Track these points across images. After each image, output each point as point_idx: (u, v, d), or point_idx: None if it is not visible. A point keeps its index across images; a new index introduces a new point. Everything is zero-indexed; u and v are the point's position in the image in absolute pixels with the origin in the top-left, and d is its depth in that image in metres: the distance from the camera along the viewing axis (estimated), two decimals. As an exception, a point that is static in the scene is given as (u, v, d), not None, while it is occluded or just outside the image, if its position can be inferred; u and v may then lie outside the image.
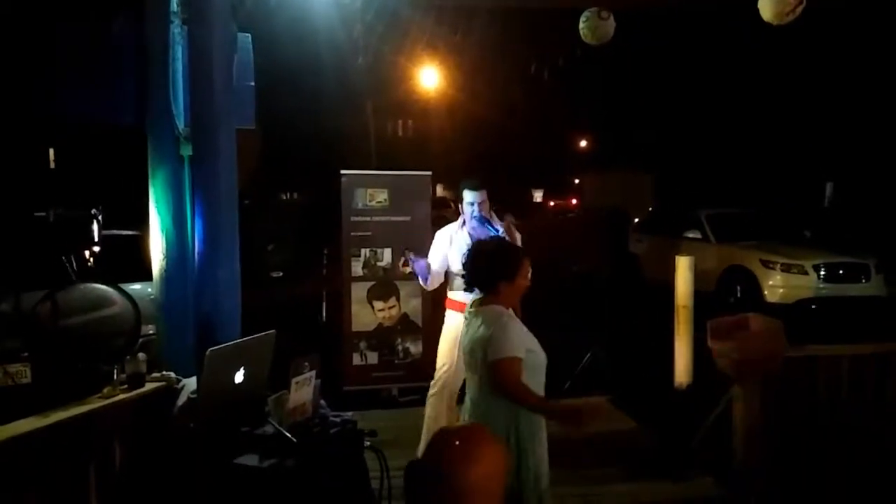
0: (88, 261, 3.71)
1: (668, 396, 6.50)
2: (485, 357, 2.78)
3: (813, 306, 9.29)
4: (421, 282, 4.63)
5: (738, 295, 10.20)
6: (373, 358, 6.33)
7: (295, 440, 2.42)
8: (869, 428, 3.98)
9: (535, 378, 2.89)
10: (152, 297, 5.96)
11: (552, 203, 36.33)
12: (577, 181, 36.08)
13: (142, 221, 6.16)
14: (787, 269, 9.69)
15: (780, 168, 19.22)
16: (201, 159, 3.21)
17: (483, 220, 4.36)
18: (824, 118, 18.96)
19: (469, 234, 4.47)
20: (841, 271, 9.62)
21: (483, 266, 2.96)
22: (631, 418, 5.65)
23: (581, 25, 3.53)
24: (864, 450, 3.95)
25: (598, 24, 3.47)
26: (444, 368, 4.50)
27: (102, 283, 3.75)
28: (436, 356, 4.71)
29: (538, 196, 38.80)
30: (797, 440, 3.94)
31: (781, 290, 9.64)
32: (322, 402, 2.79)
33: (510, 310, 2.99)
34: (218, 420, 2.55)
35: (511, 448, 2.71)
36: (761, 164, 19.47)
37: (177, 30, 3.58)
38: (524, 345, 2.85)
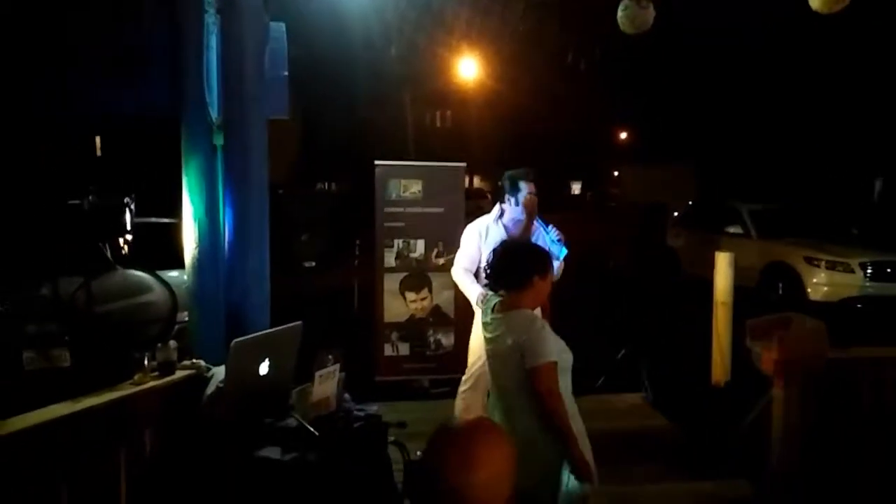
0: (122, 248, 3.75)
1: (705, 395, 6.38)
2: (521, 364, 2.67)
3: (858, 305, 9.01)
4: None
5: (780, 292, 9.96)
6: (404, 349, 6.33)
7: (317, 434, 2.40)
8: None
9: (564, 379, 2.82)
10: (187, 284, 6.09)
11: (588, 194, 35.94)
12: (616, 173, 35.65)
13: (179, 210, 6.28)
14: (832, 266, 9.42)
15: (828, 162, 18.69)
16: (232, 149, 3.20)
17: (547, 227, 4.24)
18: (876, 111, 18.36)
19: (505, 226, 4.38)
20: (889, 270, 9.31)
21: (519, 262, 2.86)
22: (666, 417, 5.53)
23: (619, 14, 3.43)
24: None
25: (638, 12, 3.37)
26: (478, 364, 4.43)
27: (140, 270, 3.80)
28: (467, 349, 4.66)
29: (576, 188, 38.45)
30: (837, 444, 3.81)
31: (825, 289, 9.38)
32: (346, 395, 2.77)
33: (537, 310, 2.93)
34: (242, 411, 2.55)
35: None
36: (808, 158, 18.96)
37: (211, 19, 3.58)
38: (558, 347, 2.77)
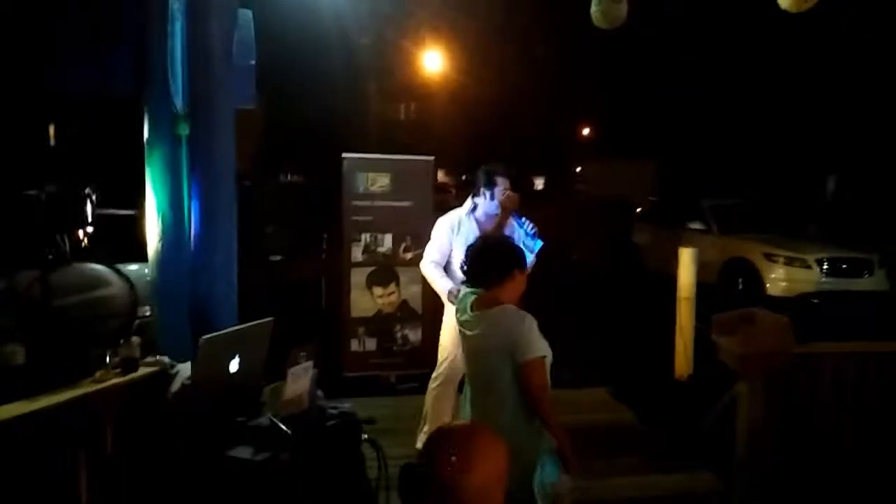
0: (82, 241, 3.63)
1: (669, 388, 6.46)
2: (508, 361, 2.65)
3: (815, 300, 9.22)
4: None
5: (740, 287, 10.14)
6: (371, 344, 6.27)
7: (290, 433, 2.35)
8: (872, 426, 3.92)
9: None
10: (149, 278, 5.94)
11: (546, 189, 36.14)
12: (578, 169, 35.88)
13: (139, 200, 6.11)
14: (789, 262, 9.63)
15: (783, 159, 19.09)
16: (198, 138, 3.12)
17: (521, 220, 4.21)
18: (829, 109, 18.82)
19: (478, 220, 4.35)
20: (844, 266, 9.55)
21: (498, 258, 2.83)
22: (631, 410, 5.58)
23: (593, 9, 3.43)
24: (868, 448, 3.89)
25: (611, 7, 3.36)
26: (448, 360, 4.40)
27: (98, 263, 3.68)
28: (435, 344, 4.62)
29: (539, 183, 38.59)
30: (801, 437, 3.88)
31: (783, 284, 9.58)
32: (319, 392, 2.71)
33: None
34: (211, 410, 2.48)
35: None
36: (765, 155, 19.34)
37: (175, 4, 3.48)
38: (544, 343, 2.76)
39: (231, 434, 2.40)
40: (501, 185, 4.26)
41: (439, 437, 1.45)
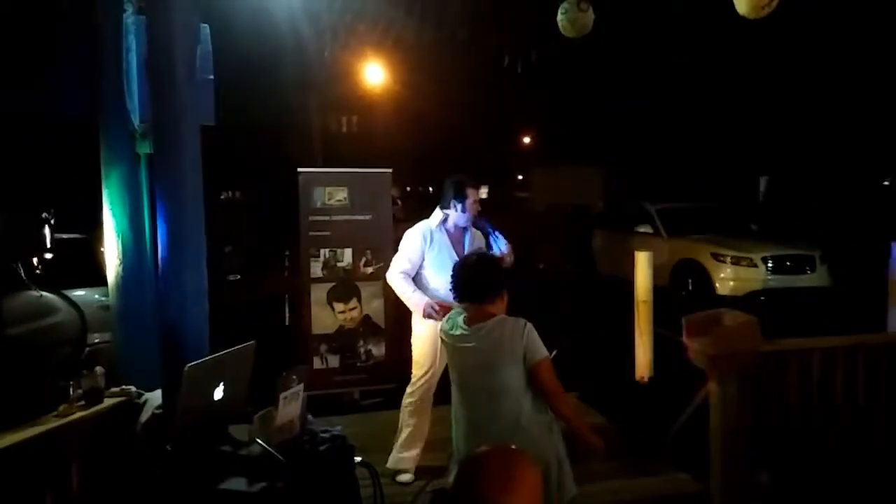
0: (37, 267, 3.46)
1: (631, 391, 6.54)
2: (520, 367, 2.77)
3: (762, 298, 9.48)
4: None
5: (690, 288, 10.36)
6: (334, 361, 6.15)
7: (284, 460, 2.25)
8: (839, 419, 4.02)
9: None
10: (100, 303, 5.70)
11: (491, 197, 36.48)
12: (520, 177, 36.25)
13: (87, 223, 5.86)
14: (737, 261, 9.88)
15: (718, 163, 19.70)
16: (164, 157, 2.99)
17: (493, 231, 4.25)
18: (758, 114, 19.53)
19: (448, 230, 4.32)
20: (788, 263, 9.86)
21: (491, 274, 2.95)
22: (600, 415, 5.61)
23: (560, 17, 3.44)
24: (838, 441, 3.99)
25: (578, 15, 3.38)
26: (426, 374, 4.31)
27: (44, 290, 3.50)
28: (399, 358, 4.55)
29: (483, 193, 38.85)
30: (773, 433, 3.95)
31: (732, 283, 9.83)
32: (309, 416, 2.62)
33: None
34: (198, 440, 2.36)
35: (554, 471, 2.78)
36: (700, 159, 19.92)
37: (130, 19, 3.35)
38: None
39: (221, 465, 2.28)
40: (471, 196, 4.26)
41: (475, 461, 1.41)
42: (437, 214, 4.37)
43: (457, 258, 4.28)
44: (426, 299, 4.15)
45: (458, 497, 1.36)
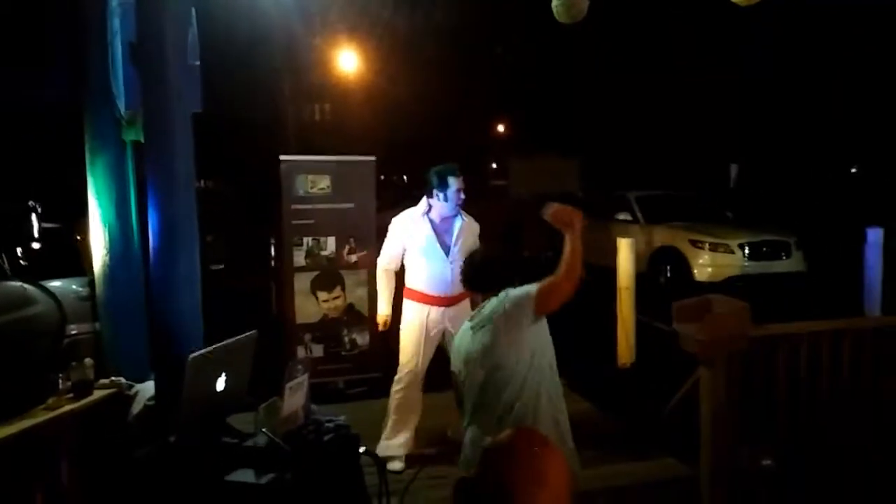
0: (20, 257, 3.37)
1: (614, 377, 6.59)
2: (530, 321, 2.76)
3: (739, 284, 9.59)
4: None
5: (668, 275, 10.46)
6: (318, 351, 6.10)
7: (290, 451, 2.21)
8: (827, 401, 4.09)
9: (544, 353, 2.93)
10: (78, 294, 5.58)
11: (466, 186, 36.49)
12: (494, 165, 36.24)
13: (65, 212, 5.73)
14: (714, 248, 9.99)
15: (689, 151, 19.89)
16: (155, 144, 2.91)
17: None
18: (728, 102, 19.77)
19: (432, 221, 4.30)
20: (764, 249, 10.00)
21: (503, 267, 3.02)
22: (586, 401, 5.64)
23: (554, 4, 3.41)
24: (826, 424, 4.05)
25: (573, 1, 3.36)
26: (413, 362, 4.30)
27: (22, 281, 3.42)
28: (384, 346, 4.54)
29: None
30: (761, 418, 4.00)
31: (710, 269, 9.94)
32: (314, 406, 2.59)
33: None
34: (201, 432, 2.31)
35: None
36: (672, 147, 20.10)
37: (115, 1, 3.26)
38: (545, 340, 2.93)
39: (226, 457, 2.24)
40: (454, 185, 4.22)
41: (502, 451, 1.38)
42: (423, 203, 4.34)
43: (442, 249, 4.27)
44: (382, 314, 4.45)
45: (483, 488, 1.34)
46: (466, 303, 4.23)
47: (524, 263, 3.21)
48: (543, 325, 2.85)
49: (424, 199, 4.35)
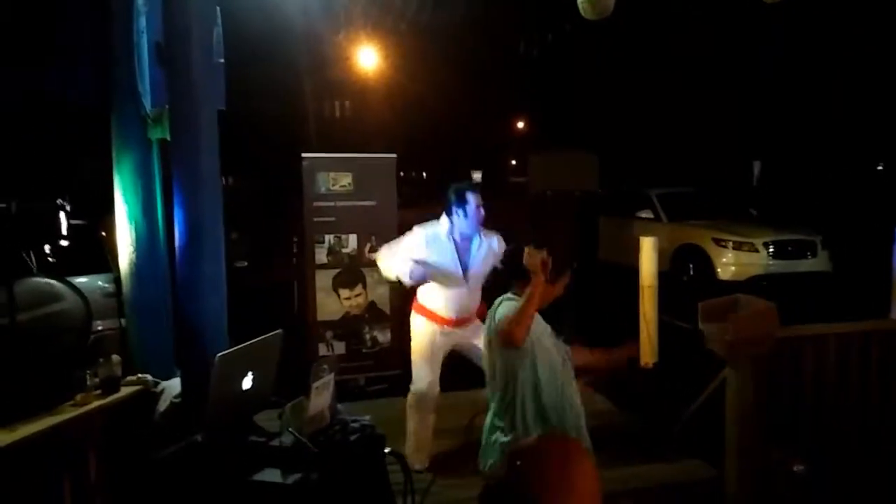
0: (49, 255, 3.40)
1: (637, 377, 6.53)
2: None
3: (764, 283, 9.47)
4: (408, 279, 4.16)
5: (691, 273, 10.36)
6: (340, 348, 6.11)
7: (317, 451, 2.21)
8: (854, 404, 4.03)
9: (565, 372, 2.82)
10: (104, 290, 5.63)
11: (484, 182, 36.61)
12: (514, 162, 36.17)
13: (91, 209, 5.78)
14: (738, 246, 9.87)
15: (711, 147, 19.71)
16: (181, 142, 2.93)
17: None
18: (750, 100, 19.56)
19: (455, 241, 4.22)
20: (790, 248, 9.86)
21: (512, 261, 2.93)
22: (608, 401, 5.60)
23: (580, 0, 3.39)
24: (853, 426, 4.00)
25: (599, -2, 3.33)
26: (426, 382, 4.22)
27: (49, 277, 3.46)
28: (404, 343, 4.47)
29: (477, 177, 38.78)
30: (789, 420, 3.95)
31: (733, 268, 9.82)
32: (339, 406, 2.59)
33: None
34: (228, 431, 2.32)
35: None
36: (694, 144, 19.92)
37: (140, 1, 3.27)
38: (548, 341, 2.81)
39: (253, 456, 2.25)
40: (473, 201, 4.14)
41: (529, 454, 1.35)
42: (444, 223, 4.21)
43: (461, 269, 4.19)
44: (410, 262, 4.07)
45: (509, 494, 1.31)
46: (477, 321, 4.18)
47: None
48: (523, 350, 2.76)
49: (445, 216, 4.24)
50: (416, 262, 4.10)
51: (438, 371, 4.29)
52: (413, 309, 4.38)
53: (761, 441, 3.89)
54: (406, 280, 4.14)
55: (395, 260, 4.20)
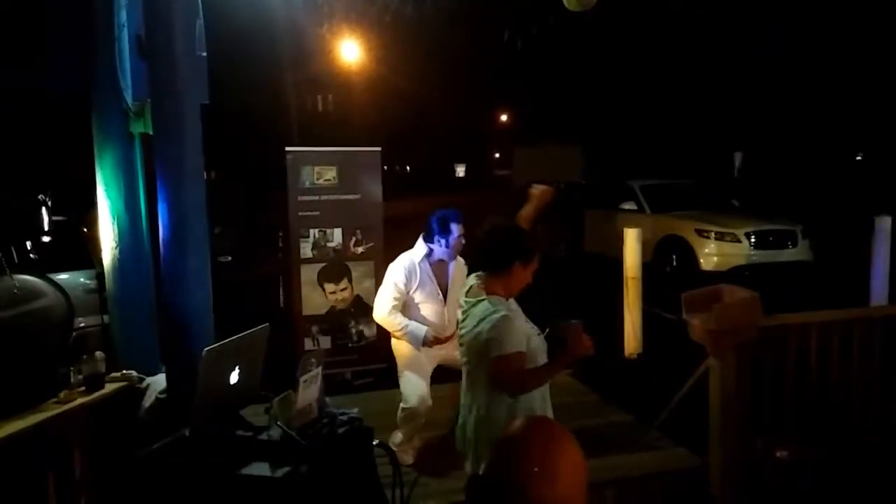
0: (30, 252, 3.36)
1: (623, 367, 6.58)
2: (488, 357, 2.62)
3: (746, 273, 9.56)
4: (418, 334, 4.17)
5: (674, 264, 10.43)
6: (325, 342, 6.10)
7: (305, 444, 2.21)
8: (837, 391, 4.08)
9: (534, 363, 2.76)
10: (86, 287, 5.58)
11: (468, 175, 36.61)
12: (497, 155, 36.24)
13: (72, 204, 5.72)
14: (720, 237, 9.96)
15: (692, 139, 19.83)
16: (164, 136, 2.90)
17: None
18: (732, 89, 19.68)
19: (431, 263, 4.24)
20: (771, 238, 9.96)
21: (500, 242, 2.74)
22: (595, 392, 5.64)
23: (565, -8, 3.40)
24: (836, 413, 4.05)
25: (583, -10, 3.34)
26: (417, 397, 4.20)
27: (29, 274, 3.43)
28: (389, 338, 4.46)
29: (461, 171, 38.85)
30: (772, 407, 4.00)
31: (716, 259, 9.91)
32: (327, 399, 2.58)
33: (509, 300, 2.82)
34: (215, 425, 2.31)
35: None
36: (675, 135, 20.03)
37: (120, -8, 3.23)
38: (524, 335, 2.68)
39: (240, 450, 2.24)
40: (455, 232, 4.18)
41: (513, 444, 1.34)
42: (421, 248, 4.24)
43: (441, 293, 4.24)
44: (424, 328, 4.11)
45: (494, 484, 1.30)
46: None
47: (522, 242, 3.01)
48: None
49: (421, 242, 4.26)
50: (403, 300, 4.19)
51: (428, 386, 4.28)
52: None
53: (745, 429, 3.94)
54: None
55: (391, 316, 4.21)
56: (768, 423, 4.00)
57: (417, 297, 4.23)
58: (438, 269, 4.30)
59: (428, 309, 4.26)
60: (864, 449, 4.03)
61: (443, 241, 4.18)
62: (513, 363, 2.59)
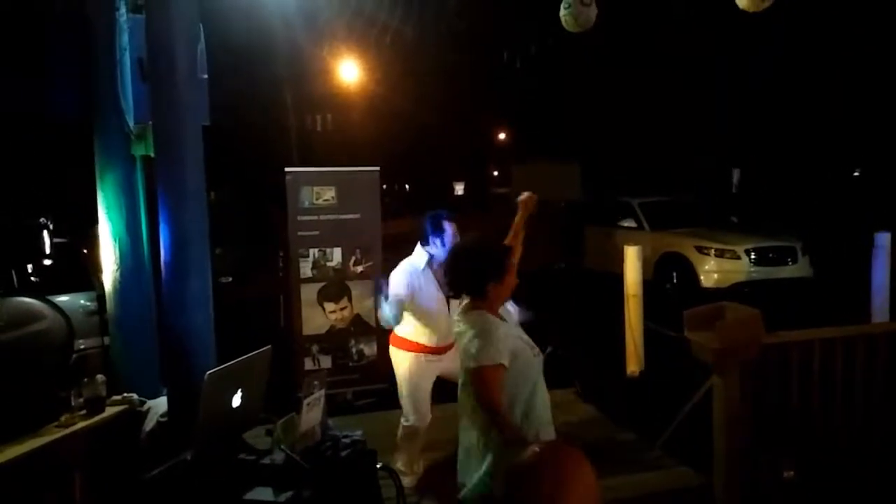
0: (32, 273, 3.37)
1: (623, 385, 6.56)
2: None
3: (746, 290, 9.56)
4: (389, 317, 4.09)
5: (674, 281, 10.42)
6: (326, 362, 6.07)
7: (309, 468, 2.19)
8: (840, 408, 4.06)
9: (526, 377, 2.70)
10: (86, 309, 5.58)
11: (467, 193, 36.67)
12: (496, 173, 36.32)
13: (72, 226, 5.73)
14: (720, 254, 9.96)
15: (690, 155, 19.89)
16: (166, 158, 2.91)
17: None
18: (728, 106, 19.78)
19: (433, 269, 4.18)
20: (771, 255, 9.96)
21: (468, 268, 2.68)
22: (598, 410, 5.61)
23: (563, 13, 3.41)
24: (840, 430, 4.02)
25: (581, 10, 3.36)
26: (418, 415, 4.18)
27: (29, 296, 3.42)
28: (390, 357, 4.43)
29: (459, 189, 38.93)
30: (775, 425, 3.97)
31: (716, 276, 9.90)
32: (330, 422, 2.57)
33: (497, 312, 2.78)
34: (218, 449, 2.29)
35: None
36: (673, 152, 20.09)
37: (124, 17, 3.26)
38: (508, 349, 2.61)
39: (243, 474, 2.22)
40: (449, 230, 4.14)
41: (526, 471, 1.33)
42: (421, 254, 4.18)
43: (443, 297, 4.14)
44: (396, 307, 4.04)
45: None
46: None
47: (498, 257, 2.94)
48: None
49: (419, 248, 4.21)
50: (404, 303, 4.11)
51: (428, 403, 4.26)
52: (392, 343, 4.32)
53: (749, 448, 3.91)
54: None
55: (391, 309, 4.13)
56: (773, 440, 3.97)
57: (422, 302, 4.15)
58: (440, 275, 4.23)
59: (432, 318, 4.19)
60: (871, 465, 4.00)
61: (438, 242, 4.11)
62: (485, 376, 2.49)
